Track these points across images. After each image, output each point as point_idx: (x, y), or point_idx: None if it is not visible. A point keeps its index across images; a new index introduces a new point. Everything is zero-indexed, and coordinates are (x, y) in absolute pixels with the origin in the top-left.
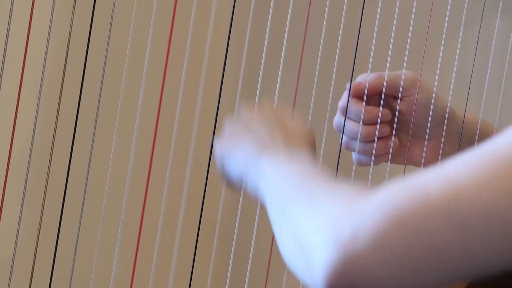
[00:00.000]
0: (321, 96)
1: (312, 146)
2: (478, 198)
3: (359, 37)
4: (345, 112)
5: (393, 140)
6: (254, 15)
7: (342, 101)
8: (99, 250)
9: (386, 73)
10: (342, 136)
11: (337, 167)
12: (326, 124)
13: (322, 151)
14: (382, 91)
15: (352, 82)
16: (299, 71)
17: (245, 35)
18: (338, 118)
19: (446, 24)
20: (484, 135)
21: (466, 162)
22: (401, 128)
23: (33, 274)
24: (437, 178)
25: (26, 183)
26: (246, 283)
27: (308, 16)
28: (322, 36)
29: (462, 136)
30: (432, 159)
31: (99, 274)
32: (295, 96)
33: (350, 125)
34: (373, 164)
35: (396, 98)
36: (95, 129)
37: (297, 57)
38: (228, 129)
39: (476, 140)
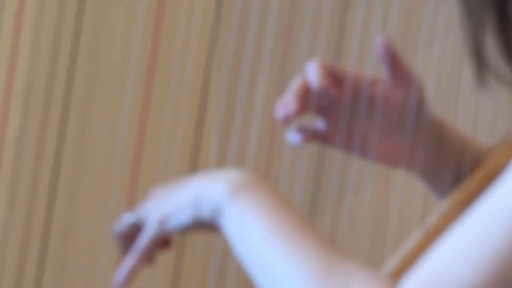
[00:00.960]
0: None
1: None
2: None
3: (343, 40)
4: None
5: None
6: (239, 17)
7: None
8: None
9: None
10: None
11: (323, 170)
12: None
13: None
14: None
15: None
16: (283, 74)
17: (231, 38)
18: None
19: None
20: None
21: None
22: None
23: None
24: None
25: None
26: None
27: (292, 21)
28: (307, 40)
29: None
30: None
31: (87, 274)
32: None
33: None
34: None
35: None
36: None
37: (281, 60)
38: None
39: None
